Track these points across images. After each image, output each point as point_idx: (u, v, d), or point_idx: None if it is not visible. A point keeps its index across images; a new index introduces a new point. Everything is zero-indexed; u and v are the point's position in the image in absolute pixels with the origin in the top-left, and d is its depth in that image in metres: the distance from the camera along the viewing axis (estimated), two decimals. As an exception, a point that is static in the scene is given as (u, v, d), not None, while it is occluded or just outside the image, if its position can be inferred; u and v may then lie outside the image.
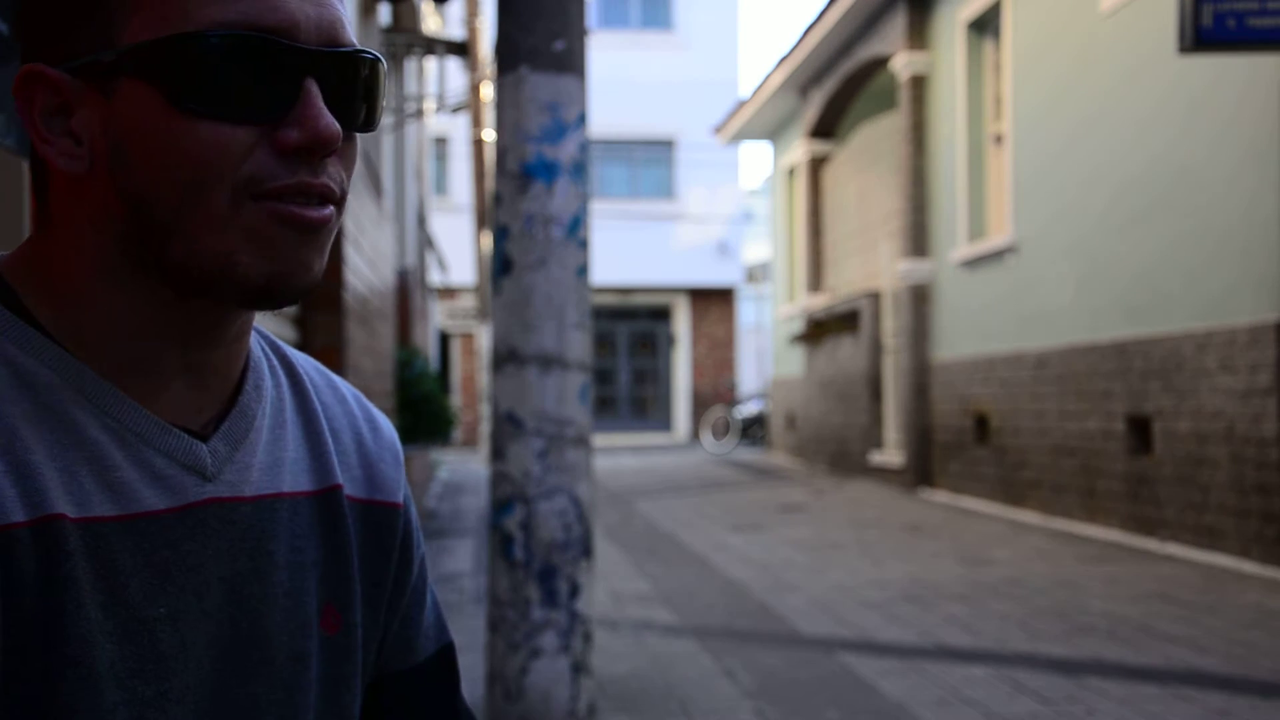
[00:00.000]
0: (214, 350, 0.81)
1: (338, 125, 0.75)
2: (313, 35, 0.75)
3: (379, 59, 0.80)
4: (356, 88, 0.78)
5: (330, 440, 0.90)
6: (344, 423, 0.93)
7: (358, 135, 0.80)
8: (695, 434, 23.16)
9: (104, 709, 0.72)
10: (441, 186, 23.35)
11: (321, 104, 0.75)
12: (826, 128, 14.66)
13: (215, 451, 0.81)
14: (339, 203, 0.78)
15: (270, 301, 0.77)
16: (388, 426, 0.98)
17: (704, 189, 23.81)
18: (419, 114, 12.10)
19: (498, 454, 3.61)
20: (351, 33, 0.79)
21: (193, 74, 0.72)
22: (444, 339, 22.53)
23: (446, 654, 1.01)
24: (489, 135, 14.37)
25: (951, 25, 10.85)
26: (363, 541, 0.91)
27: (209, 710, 0.78)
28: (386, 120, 8.76)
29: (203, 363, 0.80)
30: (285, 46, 0.74)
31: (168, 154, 0.73)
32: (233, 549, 0.80)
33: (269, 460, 0.85)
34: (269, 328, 1.01)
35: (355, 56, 0.78)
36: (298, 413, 0.90)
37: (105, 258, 0.77)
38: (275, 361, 0.91)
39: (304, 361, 0.94)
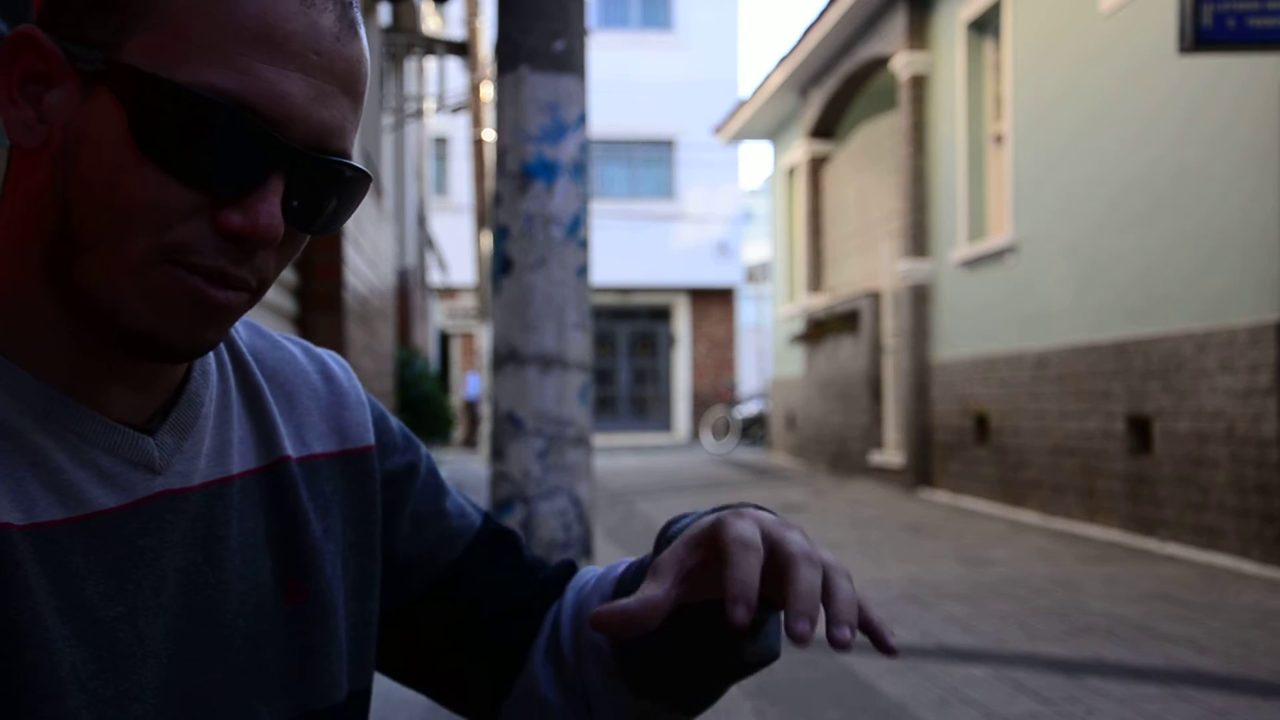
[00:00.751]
0: (144, 363, 0.78)
1: (281, 227, 0.73)
2: (301, 133, 0.73)
3: (365, 174, 0.78)
4: (327, 195, 0.76)
5: (276, 410, 0.89)
6: (298, 383, 0.92)
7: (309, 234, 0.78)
8: (695, 434, 23.16)
9: (66, 713, 0.71)
10: (441, 186, 23.35)
11: (276, 202, 0.72)
12: (826, 128, 14.66)
13: (163, 444, 0.79)
14: (256, 291, 0.76)
15: (147, 355, 0.75)
16: (341, 370, 0.96)
17: (704, 189, 23.81)
18: (419, 114, 12.10)
19: (498, 454, 3.61)
20: (351, 140, 0.76)
21: (165, 123, 0.70)
22: (444, 339, 22.54)
23: (489, 522, 1.02)
24: (489, 135, 14.37)
25: (951, 25, 10.85)
26: (347, 495, 0.91)
27: (167, 703, 0.77)
28: (386, 120, 8.76)
29: (136, 369, 0.78)
30: (265, 134, 0.71)
31: (109, 182, 0.71)
32: (186, 539, 0.80)
33: (217, 444, 0.84)
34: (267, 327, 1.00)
35: (335, 166, 0.75)
36: (240, 389, 0.88)
37: (32, 252, 0.75)
38: None
39: (243, 331, 0.92)
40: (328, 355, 0.97)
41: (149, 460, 0.78)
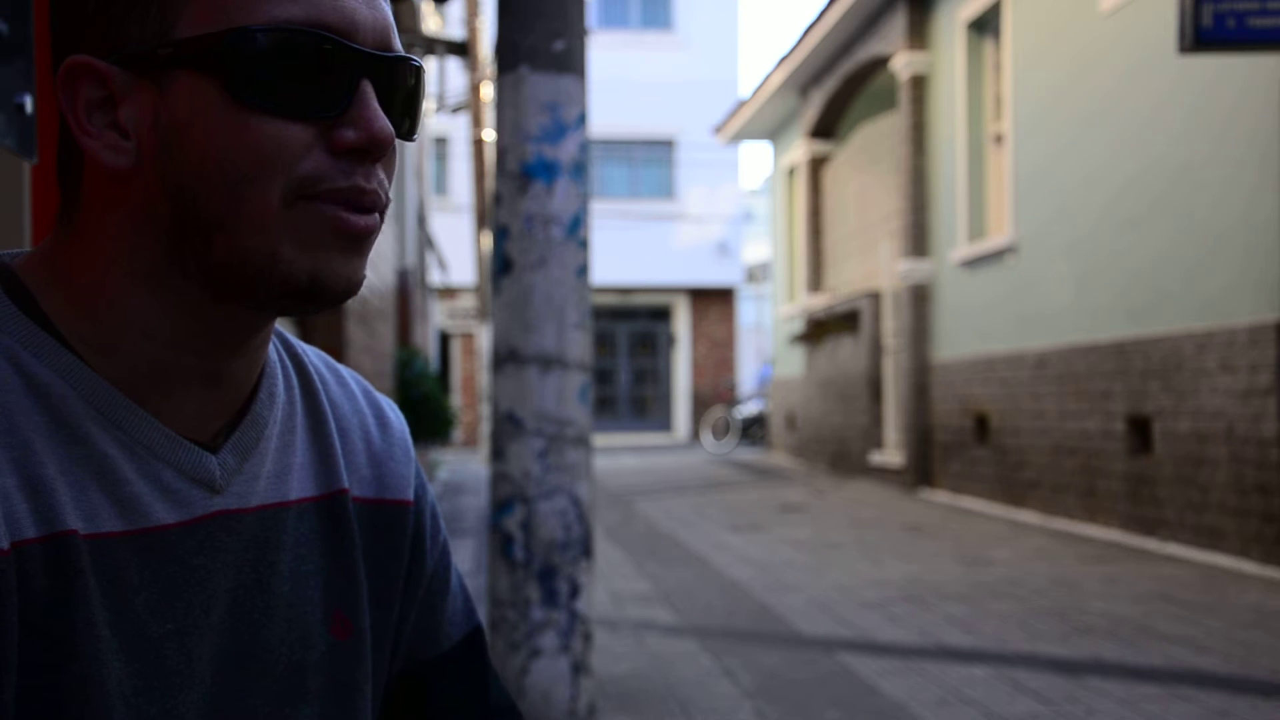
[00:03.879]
0: (236, 359, 0.80)
1: (391, 128, 0.75)
2: (369, 37, 0.76)
3: (423, 68, 0.81)
4: (403, 95, 0.79)
5: (338, 441, 0.89)
6: (353, 421, 0.92)
7: (397, 144, 0.80)
8: (695, 434, 23.16)
9: None
10: (441, 186, 23.35)
11: (377, 107, 0.75)
12: (826, 128, 14.66)
13: (224, 463, 0.80)
14: (383, 210, 0.78)
15: (311, 304, 0.76)
16: (397, 420, 0.96)
17: (704, 189, 23.81)
18: (419, 114, 12.10)
19: (498, 454, 3.61)
20: (398, 39, 0.80)
21: (254, 68, 0.72)
22: (444, 339, 22.53)
23: (474, 638, 1.00)
24: (489, 135, 14.37)
25: (951, 25, 10.85)
26: (372, 542, 0.90)
27: None
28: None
29: (222, 371, 0.79)
30: (345, 46, 0.74)
31: (224, 148, 0.72)
32: (238, 561, 0.80)
33: (277, 468, 0.84)
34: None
35: (405, 63, 0.78)
36: (307, 415, 0.88)
37: (141, 259, 0.75)
38: (288, 362, 0.90)
39: (313, 356, 0.93)
40: (387, 403, 0.97)
41: (210, 479, 0.79)
